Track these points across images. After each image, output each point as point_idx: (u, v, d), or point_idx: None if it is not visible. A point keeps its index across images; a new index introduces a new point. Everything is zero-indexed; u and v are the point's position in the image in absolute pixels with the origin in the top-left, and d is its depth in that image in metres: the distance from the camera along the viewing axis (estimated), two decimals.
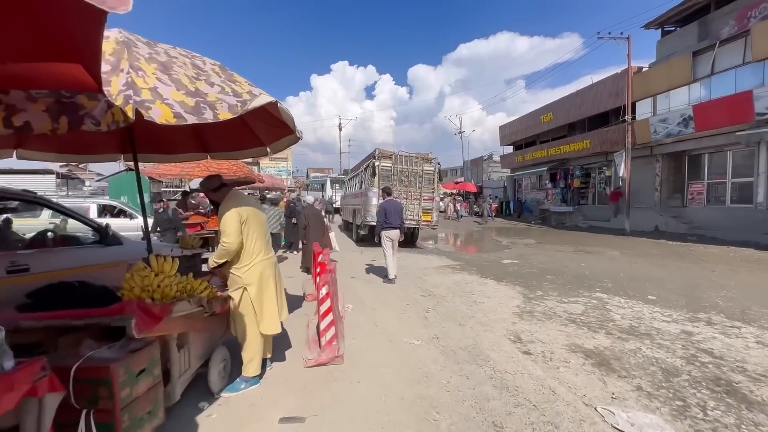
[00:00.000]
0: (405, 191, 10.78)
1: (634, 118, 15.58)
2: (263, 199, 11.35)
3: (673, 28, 15.70)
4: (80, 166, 22.90)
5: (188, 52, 2.43)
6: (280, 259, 8.80)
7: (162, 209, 6.49)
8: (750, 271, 7.76)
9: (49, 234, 3.54)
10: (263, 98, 2.10)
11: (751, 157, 12.69)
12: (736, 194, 13.52)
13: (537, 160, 23.68)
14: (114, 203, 9.66)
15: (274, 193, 15.43)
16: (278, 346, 3.44)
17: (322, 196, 24.69)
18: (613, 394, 2.84)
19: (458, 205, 25.59)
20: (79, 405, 1.71)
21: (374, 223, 9.84)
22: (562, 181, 22.40)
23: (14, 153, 3.22)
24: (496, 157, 33.81)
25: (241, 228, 2.76)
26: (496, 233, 16.73)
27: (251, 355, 2.84)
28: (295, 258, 8.94)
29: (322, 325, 3.43)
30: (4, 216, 3.33)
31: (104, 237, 3.56)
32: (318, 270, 4.21)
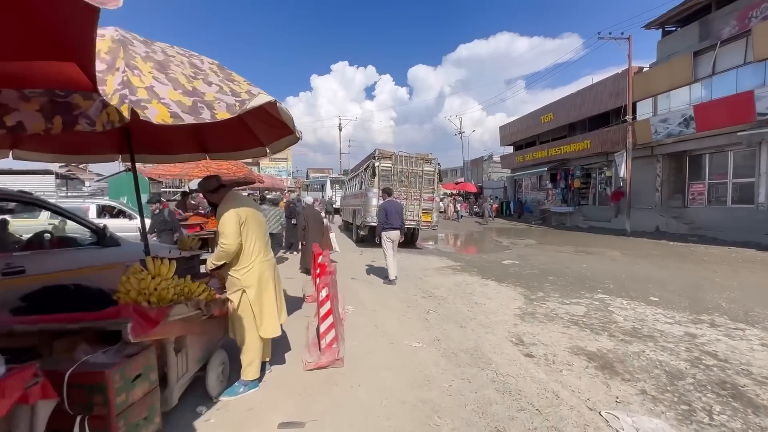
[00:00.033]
0: (405, 192, 10.75)
1: (634, 118, 15.55)
2: (263, 200, 11.33)
3: (674, 28, 15.66)
4: (80, 166, 22.87)
5: (186, 51, 2.39)
6: (281, 260, 8.76)
7: (158, 210, 6.42)
8: (752, 272, 7.72)
9: (46, 235, 3.51)
10: (262, 98, 2.06)
11: (753, 158, 12.65)
12: (737, 195, 13.48)
13: (537, 161, 23.64)
14: (113, 204, 9.62)
15: (273, 193, 15.39)
16: (277, 348, 3.40)
17: (322, 197, 24.66)
18: (617, 397, 2.80)
19: (458, 206, 25.56)
20: (73, 411, 1.68)
21: (374, 224, 9.82)
22: (562, 181, 22.35)
23: (10, 153, 3.18)
24: (497, 158, 33.78)
25: (239, 229, 2.73)
26: (497, 234, 16.69)
27: (250, 358, 2.80)
28: (295, 259, 8.90)
29: (322, 328, 3.39)
30: (1, 217, 3.29)
31: (102, 238, 3.53)
32: (318, 271, 4.18)
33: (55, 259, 3.06)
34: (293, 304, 5.09)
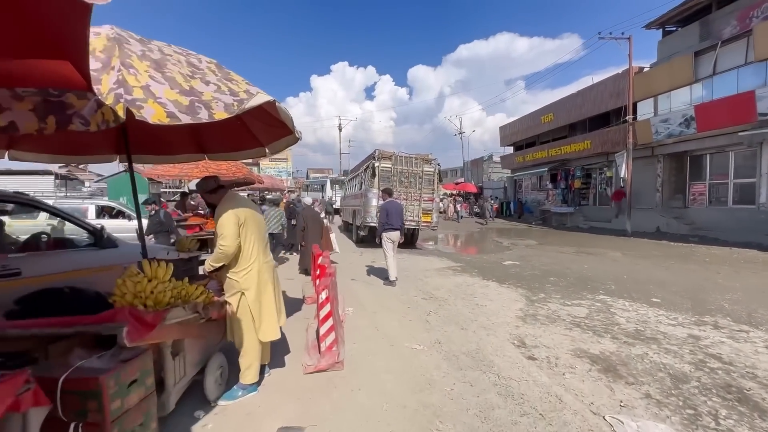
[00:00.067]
0: (405, 192, 10.72)
1: (635, 118, 15.51)
2: (263, 200, 11.29)
3: (675, 28, 15.63)
4: (79, 166, 22.83)
5: (183, 49, 2.35)
6: (281, 261, 8.73)
7: (154, 212, 6.35)
8: (754, 272, 7.68)
9: (43, 237, 3.47)
10: (260, 97, 2.02)
11: (754, 158, 12.61)
12: (738, 195, 13.44)
13: (537, 161, 23.60)
14: (112, 204, 9.59)
15: (273, 193, 15.36)
16: (276, 351, 3.35)
17: (322, 197, 24.62)
18: (622, 401, 2.76)
19: (458, 206, 25.49)
20: (66, 418, 1.64)
21: (374, 224, 9.78)
22: (562, 181, 22.30)
23: (6, 154, 3.14)
24: (497, 158, 33.74)
25: (238, 231, 2.69)
26: (497, 234, 16.64)
27: (249, 361, 2.76)
28: (295, 259, 8.86)
29: (322, 330, 3.34)
30: None
31: (99, 239, 3.49)
32: (318, 273, 4.13)
33: (51, 261, 3.02)
34: (292, 305, 5.05)
